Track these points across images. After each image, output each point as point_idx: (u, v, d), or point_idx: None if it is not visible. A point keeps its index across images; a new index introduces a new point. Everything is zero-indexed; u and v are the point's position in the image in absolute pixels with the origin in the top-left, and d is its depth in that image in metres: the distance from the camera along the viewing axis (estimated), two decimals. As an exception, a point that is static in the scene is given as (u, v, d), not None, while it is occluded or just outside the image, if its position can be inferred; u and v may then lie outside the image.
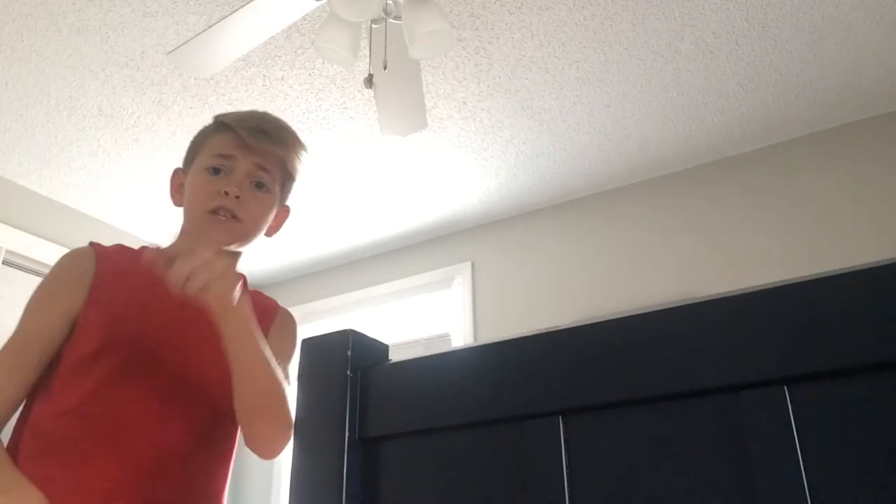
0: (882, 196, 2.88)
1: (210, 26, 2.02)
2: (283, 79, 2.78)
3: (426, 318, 4.00)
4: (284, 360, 1.28)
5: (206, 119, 3.24)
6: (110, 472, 1.05)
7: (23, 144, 3.13)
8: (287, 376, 1.25)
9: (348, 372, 0.70)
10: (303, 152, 1.32)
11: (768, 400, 0.51)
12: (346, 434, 0.67)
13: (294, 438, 0.71)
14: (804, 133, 3.14)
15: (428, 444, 0.66)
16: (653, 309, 0.58)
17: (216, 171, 1.21)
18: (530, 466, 0.59)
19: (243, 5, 1.96)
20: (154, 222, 3.77)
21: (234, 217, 1.20)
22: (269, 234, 1.33)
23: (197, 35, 2.04)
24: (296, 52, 2.64)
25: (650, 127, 3.09)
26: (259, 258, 4.20)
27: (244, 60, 2.67)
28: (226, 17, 1.99)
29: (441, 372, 0.68)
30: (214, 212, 1.19)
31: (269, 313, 1.30)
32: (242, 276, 1.31)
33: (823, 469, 0.49)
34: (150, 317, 1.15)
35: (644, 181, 3.49)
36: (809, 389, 0.51)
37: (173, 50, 2.09)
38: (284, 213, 1.34)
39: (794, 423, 0.50)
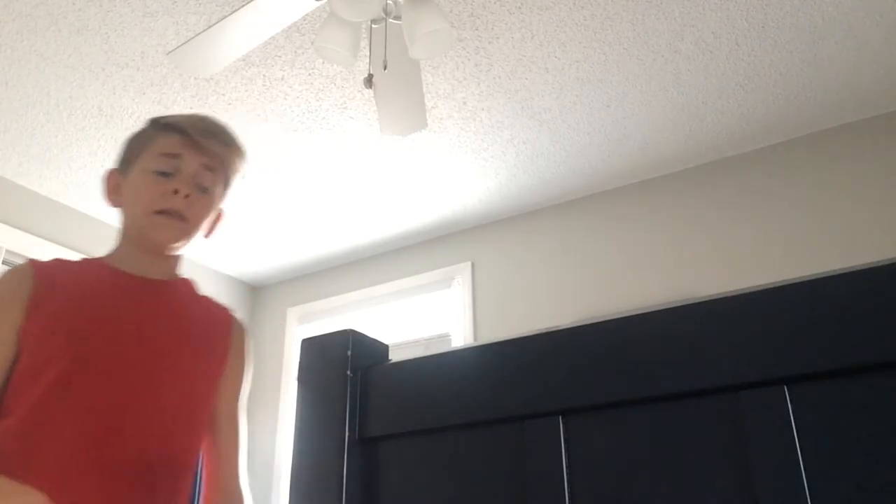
0: (882, 196, 2.88)
1: (210, 26, 2.02)
2: (283, 79, 2.78)
3: (426, 318, 4.00)
4: (241, 386, 1.28)
5: (206, 119, 3.20)
6: (51, 494, 1.00)
7: (23, 144, 3.13)
8: (244, 406, 1.26)
9: (348, 372, 0.70)
10: (245, 157, 1.33)
11: (768, 400, 0.51)
12: (346, 434, 0.67)
13: (294, 438, 0.71)
14: (804, 133, 3.14)
15: (428, 444, 0.66)
16: (653, 309, 0.58)
17: (164, 173, 1.21)
18: (530, 466, 0.59)
19: (243, 5, 1.96)
20: (154, 222, 3.77)
21: (181, 217, 1.20)
22: (206, 235, 1.33)
23: (197, 35, 2.04)
24: (296, 52, 2.64)
25: (650, 127, 3.09)
26: (259, 258, 4.20)
27: (244, 60, 2.67)
28: (226, 17, 1.99)
29: (441, 372, 0.68)
30: (162, 212, 1.19)
31: (224, 327, 1.30)
32: (189, 280, 1.31)
33: (823, 469, 0.49)
34: (90, 327, 1.13)
35: (644, 181, 3.49)
36: (809, 389, 0.51)
37: (173, 50, 2.09)
38: (220, 215, 1.35)
39: (794, 423, 0.50)
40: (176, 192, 1.19)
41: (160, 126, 1.26)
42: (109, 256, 1.25)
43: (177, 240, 1.23)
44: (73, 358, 1.09)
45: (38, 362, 1.09)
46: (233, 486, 1.24)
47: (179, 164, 1.22)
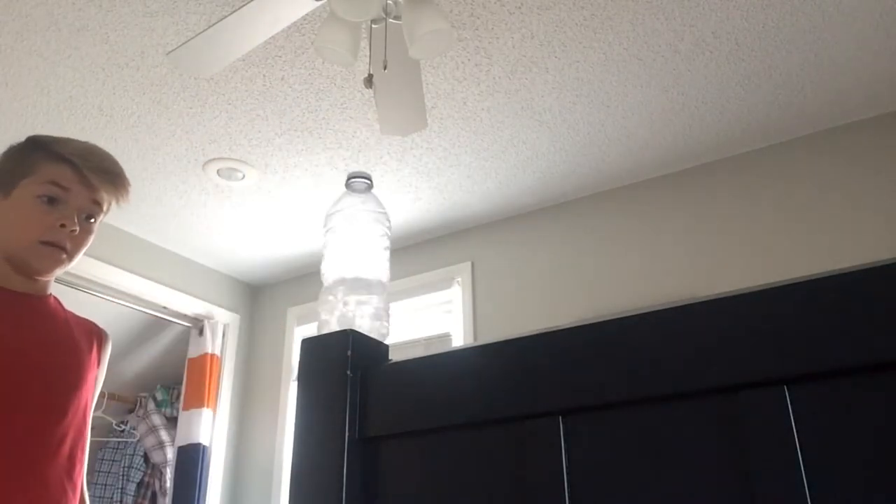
0: (882, 196, 2.88)
1: (210, 26, 2.02)
2: (283, 79, 2.78)
3: (426, 318, 4.00)
4: (97, 392, 1.36)
5: (207, 119, 3.22)
6: None
7: (23, 144, 3.13)
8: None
9: (348, 372, 0.70)
10: (129, 189, 1.36)
11: (768, 400, 0.51)
12: (346, 434, 0.67)
13: (294, 438, 0.71)
14: (804, 133, 3.14)
15: (428, 444, 0.66)
16: (653, 309, 0.58)
17: (51, 200, 1.23)
18: (530, 466, 0.59)
19: (243, 5, 1.96)
20: (153, 222, 3.78)
21: (64, 250, 1.24)
22: None
23: (197, 35, 2.04)
24: (296, 52, 2.64)
25: (650, 127, 3.09)
26: (259, 258, 4.20)
27: (244, 60, 2.67)
28: (226, 17, 1.99)
29: (441, 372, 0.68)
30: (46, 243, 1.21)
31: (96, 336, 1.36)
32: (56, 298, 1.34)
33: (823, 469, 0.49)
34: None
35: (644, 181, 3.49)
36: (809, 389, 0.51)
37: (173, 50, 2.09)
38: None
39: (794, 423, 0.50)
40: (63, 226, 1.22)
41: (50, 153, 1.26)
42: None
43: (56, 269, 1.27)
44: None
45: None
46: (84, 490, 1.32)
47: (68, 196, 1.24)
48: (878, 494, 0.47)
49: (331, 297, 0.78)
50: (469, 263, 3.83)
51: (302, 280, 4.39)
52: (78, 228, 1.24)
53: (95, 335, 1.36)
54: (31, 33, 2.53)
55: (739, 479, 0.51)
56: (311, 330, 4.25)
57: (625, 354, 0.58)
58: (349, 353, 0.71)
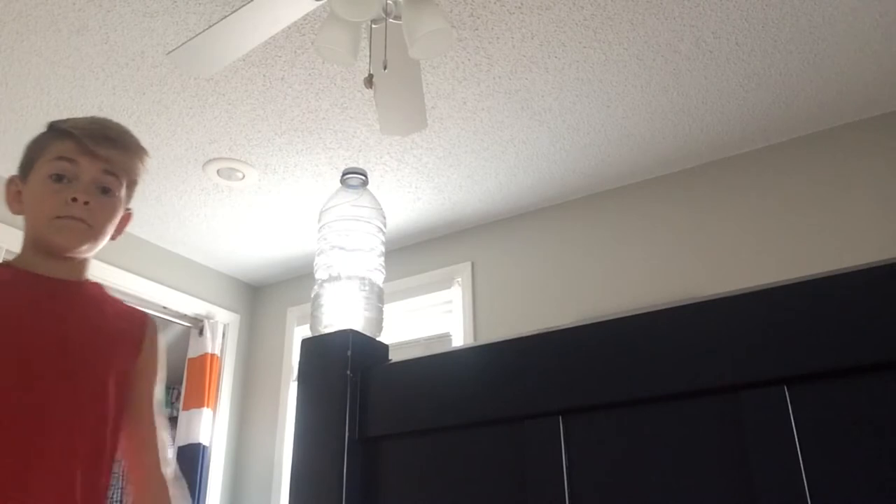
0: (882, 196, 2.88)
1: (210, 26, 2.02)
2: (283, 79, 2.78)
3: (426, 318, 4.00)
4: (154, 380, 1.31)
5: (207, 119, 3.22)
6: None
7: (23, 144, 3.13)
8: (157, 397, 1.30)
9: (348, 372, 0.70)
10: (146, 157, 1.34)
11: (768, 400, 0.51)
12: (346, 434, 0.67)
13: (294, 438, 0.71)
14: (804, 133, 3.14)
15: (428, 444, 0.66)
16: (653, 309, 0.58)
17: (59, 177, 1.22)
18: (530, 466, 0.59)
19: (243, 5, 1.96)
20: (153, 222, 3.78)
21: (83, 222, 1.21)
22: (113, 237, 1.34)
23: (197, 35, 2.04)
24: (296, 52, 2.64)
25: (650, 127, 3.09)
26: (259, 258, 4.20)
27: (244, 60, 2.67)
28: (226, 17, 1.99)
29: (441, 372, 0.68)
30: (62, 217, 1.20)
31: (138, 323, 1.32)
32: (98, 284, 1.32)
33: (823, 469, 0.49)
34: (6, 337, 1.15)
35: (644, 181, 3.49)
36: (809, 389, 0.51)
37: (173, 50, 2.08)
38: (128, 216, 1.35)
39: (794, 423, 0.50)
40: (74, 199, 1.21)
41: (56, 131, 1.27)
42: (18, 260, 1.27)
43: (81, 243, 1.24)
44: None
45: None
46: (156, 473, 1.26)
47: (76, 169, 1.23)
48: (878, 494, 0.47)
49: (324, 295, 0.78)
50: (469, 263, 3.83)
51: (302, 280, 4.39)
52: (91, 200, 1.21)
53: (138, 323, 1.31)
54: (31, 33, 2.53)
55: (739, 478, 0.51)
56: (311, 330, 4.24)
57: (625, 354, 0.58)
58: (349, 353, 0.71)
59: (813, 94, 2.88)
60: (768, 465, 0.50)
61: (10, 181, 1.30)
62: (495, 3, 2.43)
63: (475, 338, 3.63)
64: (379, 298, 0.79)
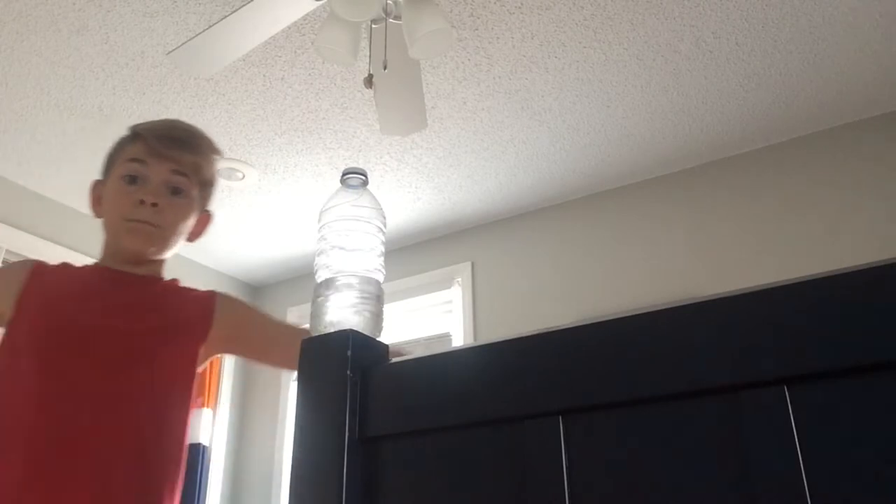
0: (882, 196, 2.88)
1: (210, 26, 2.02)
2: (283, 79, 2.78)
3: (426, 318, 4.00)
4: (249, 312, 1.35)
5: (207, 119, 3.22)
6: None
7: (23, 144, 3.13)
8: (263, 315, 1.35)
9: (348, 372, 0.70)
10: (216, 157, 1.34)
11: (768, 400, 0.51)
12: (346, 434, 0.67)
13: (294, 438, 0.71)
14: (804, 133, 3.14)
15: (428, 444, 0.66)
16: (653, 309, 0.58)
17: (132, 179, 1.24)
18: (530, 466, 0.59)
19: (243, 5, 1.96)
20: (154, 222, 3.78)
21: (150, 224, 1.22)
22: (190, 239, 1.34)
23: (197, 35, 2.04)
24: (296, 52, 2.64)
25: (650, 127, 3.09)
26: (259, 258, 4.20)
27: (244, 60, 2.67)
28: (226, 17, 1.99)
29: (441, 372, 0.68)
30: (131, 220, 1.22)
31: (207, 300, 1.32)
32: (174, 281, 1.33)
33: (823, 469, 0.49)
34: (60, 320, 1.16)
35: (644, 181, 3.49)
36: (809, 389, 0.51)
37: (173, 50, 2.08)
38: (206, 217, 1.36)
39: (794, 423, 0.50)
40: (142, 202, 1.21)
41: (131, 134, 1.29)
42: (101, 260, 1.29)
43: (150, 245, 1.25)
44: (41, 354, 1.12)
45: (13, 348, 1.13)
46: (290, 328, 1.38)
47: (147, 171, 1.24)
48: (878, 494, 0.47)
49: (324, 295, 0.78)
50: (469, 263, 3.83)
51: (302, 280, 4.39)
52: (159, 201, 1.22)
53: (208, 302, 1.30)
54: (31, 33, 2.53)
55: (740, 479, 0.51)
56: (311, 330, 4.24)
57: (625, 354, 0.58)
58: (349, 353, 0.71)
59: (813, 94, 2.88)
60: (768, 465, 0.50)
61: (94, 185, 1.33)
62: (495, 3, 2.42)
63: (475, 338, 3.63)
64: (379, 299, 0.79)
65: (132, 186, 1.23)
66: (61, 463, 1.06)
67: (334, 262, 0.80)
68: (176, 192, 1.26)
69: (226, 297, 1.34)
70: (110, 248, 1.27)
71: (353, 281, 0.78)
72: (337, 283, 0.78)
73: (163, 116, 2.96)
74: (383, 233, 0.85)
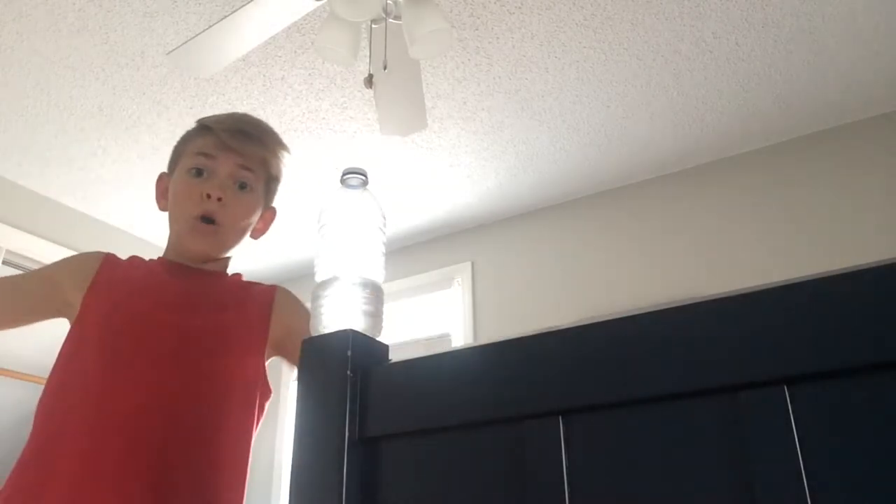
0: (882, 196, 2.88)
1: (210, 26, 2.01)
2: (283, 79, 2.78)
3: (426, 318, 4.00)
4: (304, 323, 1.23)
5: (206, 119, 3.20)
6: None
7: (23, 144, 3.13)
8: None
9: (348, 372, 0.70)
10: (284, 153, 1.33)
11: (768, 400, 0.51)
12: (346, 434, 0.67)
13: (294, 438, 0.71)
14: (804, 133, 3.14)
15: (428, 444, 0.66)
16: (653, 309, 0.58)
17: (199, 172, 1.22)
18: (530, 466, 0.59)
19: (243, 5, 1.96)
20: (153, 222, 3.77)
21: (213, 222, 1.21)
22: (254, 235, 1.33)
23: (197, 35, 2.04)
24: (296, 52, 2.64)
25: (650, 127, 3.09)
26: (259, 258, 4.20)
27: (244, 60, 2.67)
28: (226, 17, 1.99)
29: (441, 372, 0.68)
30: (198, 218, 1.21)
31: (266, 296, 1.29)
32: (238, 276, 1.32)
33: (823, 469, 0.49)
34: (135, 318, 1.16)
35: (644, 181, 3.49)
36: (809, 389, 0.51)
37: (173, 50, 2.08)
38: (271, 214, 1.35)
39: (794, 423, 0.50)
40: (208, 196, 1.20)
41: (199, 127, 1.28)
42: (165, 253, 1.29)
43: (211, 248, 1.24)
44: (104, 343, 1.12)
45: (80, 336, 1.13)
46: None
47: (214, 165, 1.23)
48: (879, 495, 0.47)
49: (323, 295, 0.78)
50: (469, 263, 3.83)
51: (302, 280, 4.39)
52: (224, 196, 1.20)
53: (268, 297, 1.27)
54: (31, 33, 2.53)
55: (739, 479, 0.51)
56: (311, 330, 4.25)
57: (625, 354, 0.58)
58: (349, 353, 0.71)
59: (813, 94, 2.88)
60: (768, 465, 0.50)
61: (160, 177, 1.31)
62: (495, 3, 2.42)
63: (475, 338, 3.63)
64: (379, 299, 0.79)
65: (198, 179, 1.22)
66: (119, 453, 1.05)
67: (334, 263, 0.80)
68: (242, 186, 1.24)
69: (283, 299, 1.30)
70: (174, 244, 1.26)
71: (353, 281, 0.78)
72: (336, 283, 0.78)
73: (163, 116, 2.96)
74: (383, 233, 0.85)
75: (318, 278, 0.79)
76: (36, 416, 1.10)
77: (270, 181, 1.32)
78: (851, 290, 0.51)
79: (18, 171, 3.32)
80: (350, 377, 0.69)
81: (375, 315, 0.77)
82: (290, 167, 3.48)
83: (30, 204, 3.45)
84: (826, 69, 2.75)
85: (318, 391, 0.71)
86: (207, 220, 1.21)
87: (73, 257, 1.24)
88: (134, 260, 1.27)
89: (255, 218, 1.30)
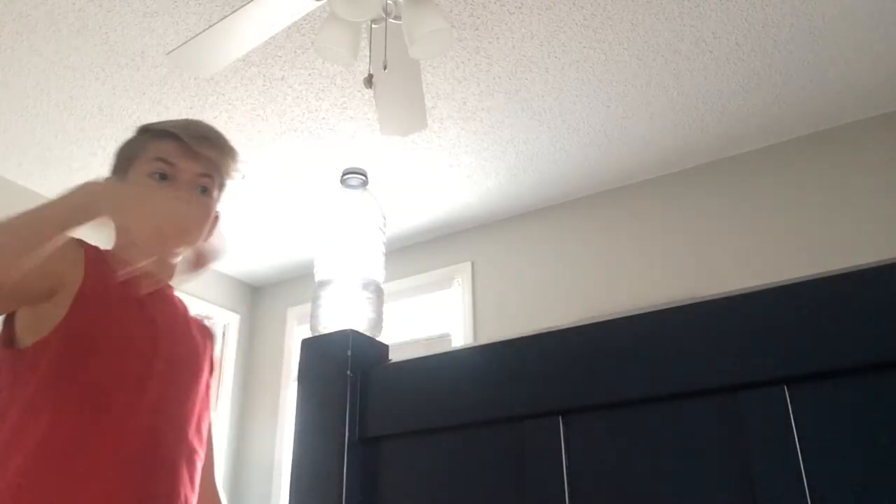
0: (882, 196, 2.88)
1: (210, 26, 2.02)
2: (283, 79, 2.78)
3: (426, 318, 4.00)
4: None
5: (207, 119, 3.22)
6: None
7: (23, 144, 3.13)
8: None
9: (348, 372, 0.70)
10: (239, 159, 1.33)
11: (768, 400, 0.51)
12: (346, 434, 0.67)
13: (294, 438, 0.71)
14: (804, 133, 3.14)
15: (428, 444, 0.66)
16: (653, 309, 0.58)
17: (162, 176, 1.22)
18: (530, 466, 0.59)
19: (243, 5, 1.96)
20: (154, 222, 3.77)
21: (185, 223, 1.20)
22: (204, 240, 1.33)
23: (197, 35, 2.04)
24: (296, 52, 2.64)
25: (650, 127, 3.09)
26: (259, 258, 4.20)
27: (244, 60, 2.67)
28: (226, 17, 1.99)
29: (441, 372, 0.68)
30: None
31: (210, 339, 1.34)
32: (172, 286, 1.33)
33: (823, 469, 0.49)
34: (132, 332, 1.16)
35: (644, 181, 3.49)
36: (809, 389, 0.51)
37: (173, 50, 2.08)
38: (217, 219, 1.35)
39: (794, 423, 0.50)
40: (177, 198, 1.20)
41: (153, 132, 1.27)
42: (120, 252, 1.24)
43: (180, 247, 1.24)
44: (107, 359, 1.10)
45: (81, 345, 1.08)
46: (215, 489, 1.30)
47: (176, 171, 1.23)
48: (878, 494, 0.47)
49: (324, 295, 0.78)
50: (469, 263, 3.83)
51: (302, 280, 4.39)
52: (193, 199, 1.22)
53: (209, 337, 1.33)
54: (31, 33, 2.53)
55: (740, 479, 0.51)
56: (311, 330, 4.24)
57: (625, 354, 0.58)
58: (349, 353, 0.71)
59: (813, 94, 2.88)
60: (768, 465, 0.50)
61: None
62: (495, 3, 2.42)
63: (475, 338, 3.63)
64: (378, 298, 0.79)
65: (163, 182, 1.22)
66: (148, 468, 1.09)
67: (334, 263, 0.80)
68: (203, 190, 1.25)
69: (217, 342, 1.37)
70: (134, 245, 1.23)
71: (352, 281, 0.78)
72: (336, 283, 0.78)
73: (163, 116, 2.96)
74: (383, 233, 0.85)
75: (318, 278, 0.79)
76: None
77: (222, 187, 1.33)
78: (851, 290, 0.51)
79: (18, 171, 3.32)
80: (350, 377, 0.69)
81: (376, 315, 0.77)
82: (290, 167, 3.48)
83: (30, 204, 3.45)
84: (826, 69, 2.75)
85: (318, 391, 0.71)
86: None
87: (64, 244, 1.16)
88: (102, 253, 1.22)
89: (210, 222, 1.30)
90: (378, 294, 0.79)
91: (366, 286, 0.78)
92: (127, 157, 1.27)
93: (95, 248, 1.20)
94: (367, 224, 0.83)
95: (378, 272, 0.81)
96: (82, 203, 1.08)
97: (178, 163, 1.23)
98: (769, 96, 2.90)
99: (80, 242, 1.18)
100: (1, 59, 2.64)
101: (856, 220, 2.90)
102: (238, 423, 4.24)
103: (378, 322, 0.77)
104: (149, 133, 1.27)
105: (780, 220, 3.08)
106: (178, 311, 1.28)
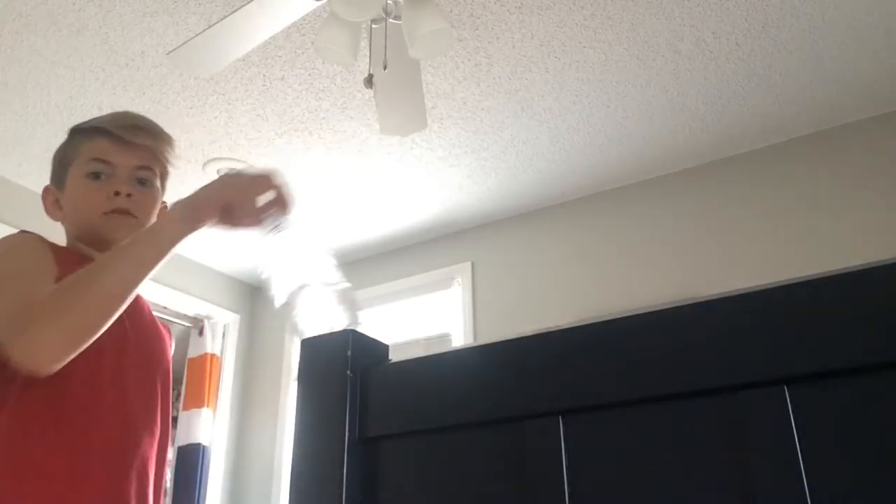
0: (882, 196, 2.88)
1: (210, 26, 2.02)
2: (283, 79, 2.78)
3: (426, 318, 4.00)
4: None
5: (207, 119, 3.22)
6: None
7: (23, 144, 3.13)
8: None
9: (348, 372, 0.70)
10: (175, 144, 1.33)
11: (768, 400, 0.51)
12: (346, 434, 0.67)
13: (294, 438, 0.71)
14: (804, 133, 3.14)
15: (428, 444, 0.66)
16: (653, 309, 0.58)
17: (97, 175, 1.21)
18: (530, 466, 0.59)
19: (243, 5, 1.96)
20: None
21: (130, 214, 1.21)
22: None
23: (197, 35, 2.04)
24: (296, 52, 2.64)
25: (650, 127, 3.09)
26: (259, 258, 4.20)
27: (244, 60, 2.67)
28: (226, 17, 1.99)
29: (441, 372, 0.68)
30: (111, 212, 1.20)
31: (170, 338, 1.36)
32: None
33: (823, 469, 0.49)
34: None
35: (644, 181, 3.49)
36: (809, 389, 0.51)
37: (173, 50, 2.08)
38: (164, 209, 1.33)
39: (794, 423, 0.50)
40: (117, 193, 1.20)
41: (84, 132, 1.26)
42: (75, 250, 1.25)
43: (130, 235, 1.23)
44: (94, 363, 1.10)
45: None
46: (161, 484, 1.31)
47: (110, 168, 1.22)
48: (879, 495, 0.47)
49: (296, 304, 0.79)
50: (469, 263, 3.83)
51: (302, 280, 4.39)
52: (132, 192, 1.22)
53: (169, 336, 1.35)
54: (31, 33, 2.53)
55: (739, 479, 0.51)
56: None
57: (625, 354, 0.58)
58: (349, 353, 0.71)
59: (813, 94, 2.88)
60: (768, 465, 0.50)
61: (46, 190, 1.30)
62: (495, 3, 2.42)
63: (475, 338, 3.63)
64: (344, 294, 0.81)
65: (98, 182, 1.21)
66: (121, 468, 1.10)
67: (295, 275, 0.82)
68: (143, 182, 1.25)
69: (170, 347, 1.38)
70: (85, 243, 1.24)
71: (320, 285, 0.79)
72: (305, 290, 0.79)
73: (163, 116, 2.96)
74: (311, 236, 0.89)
75: (285, 292, 0.81)
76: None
77: (164, 175, 1.32)
78: (851, 291, 0.51)
79: (18, 171, 3.32)
80: (350, 377, 0.69)
81: (350, 310, 0.78)
82: (290, 167, 3.48)
83: (30, 204, 3.45)
84: (826, 69, 2.75)
85: (318, 391, 0.71)
86: (122, 212, 1.21)
87: (34, 247, 1.16)
88: (59, 250, 1.21)
89: (157, 212, 1.30)
90: (347, 291, 0.81)
91: (331, 285, 0.79)
92: (62, 163, 1.26)
93: (56, 245, 1.20)
94: (302, 244, 0.86)
95: (329, 269, 0.83)
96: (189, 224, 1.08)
97: (114, 159, 1.22)
98: (769, 96, 2.90)
99: (43, 239, 1.18)
100: (1, 59, 2.64)
101: (855, 220, 2.90)
102: (238, 423, 4.24)
103: (354, 317, 0.79)
104: (80, 134, 1.26)
105: (780, 219, 3.08)
106: (143, 309, 1.28)
